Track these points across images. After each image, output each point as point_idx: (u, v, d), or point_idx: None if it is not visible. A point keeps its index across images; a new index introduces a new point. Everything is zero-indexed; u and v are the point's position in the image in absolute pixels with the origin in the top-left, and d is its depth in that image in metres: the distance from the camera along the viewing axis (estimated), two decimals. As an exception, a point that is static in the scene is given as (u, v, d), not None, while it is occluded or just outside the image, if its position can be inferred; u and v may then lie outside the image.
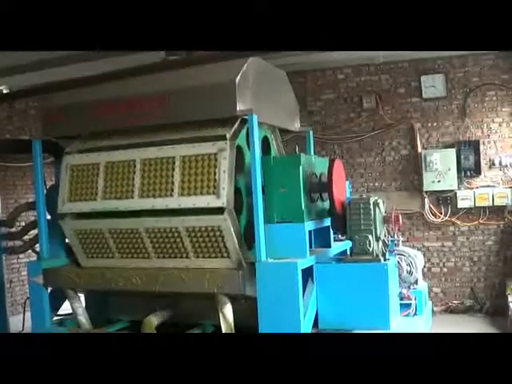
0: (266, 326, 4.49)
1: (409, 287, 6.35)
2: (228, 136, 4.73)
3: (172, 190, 4.85)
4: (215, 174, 4.69)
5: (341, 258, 5.33)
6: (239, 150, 4.96)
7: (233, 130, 4.77)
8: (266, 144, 5.61)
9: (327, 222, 5.38)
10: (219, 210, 4.66)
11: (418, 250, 8.16)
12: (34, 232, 6.06)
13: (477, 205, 8.72)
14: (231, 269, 4.80)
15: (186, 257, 4.96)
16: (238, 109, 4.70)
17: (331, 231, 5.56)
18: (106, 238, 5.24)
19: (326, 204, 5.25)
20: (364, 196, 5.05)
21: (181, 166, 4.84)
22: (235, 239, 4.70)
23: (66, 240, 5.56)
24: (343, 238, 5.65)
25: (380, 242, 4.95)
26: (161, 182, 4.92)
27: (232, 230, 4.66)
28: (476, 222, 8.89)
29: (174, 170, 4.86)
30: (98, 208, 5.19)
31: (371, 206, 4.85)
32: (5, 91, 8.70)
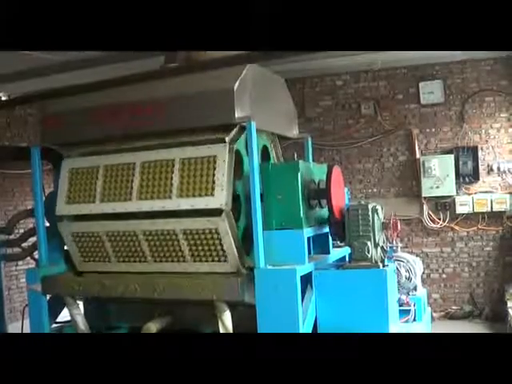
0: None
1: (408, 293, 6.35)
2: (227, 139, 4.76)
3: (171, 192, 4.87)
4: (214, 175, 4.71)
5: (340, 264, 5.32)
6: (238, 155, 4.97)
7: (232, 134, 4.80)
8: (265, 154, 5.62)
9: (326, 228, 5.38)
10: (217, 212, 4.67)
11: (417, 256, 8.17)
12: (32, 239, 6.05)
13: (475, 210, 8.75)
14: (230, 276, 4.79)
15: (184, 260, 4.96)
16: (236, 116, 4.71)
17: (330, 238, 5.56)
18: (103, 242, 5.24)
19: (325, 211, 5.25)
20: (362, 202, 5.05)
21: (180, 168, 4.86)
22: (233, 242, 4.69)
23: (65, 247, 5.56)
24: (342, 244, 5.65)
25: (379, 249, 4.94)
26: (159, 185, 4.94)
27: (229, 232, 4.66)
28: (475, 228, 8.91)
29: (173, 172, 4.89)
30: (96, 210, 5.19)
31: (370, 213, 4.85)
32: (3, 98, 8.72)
